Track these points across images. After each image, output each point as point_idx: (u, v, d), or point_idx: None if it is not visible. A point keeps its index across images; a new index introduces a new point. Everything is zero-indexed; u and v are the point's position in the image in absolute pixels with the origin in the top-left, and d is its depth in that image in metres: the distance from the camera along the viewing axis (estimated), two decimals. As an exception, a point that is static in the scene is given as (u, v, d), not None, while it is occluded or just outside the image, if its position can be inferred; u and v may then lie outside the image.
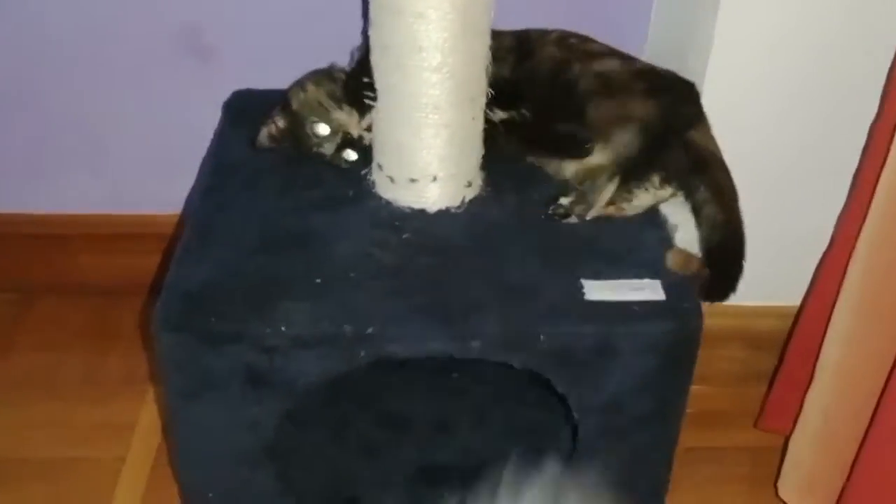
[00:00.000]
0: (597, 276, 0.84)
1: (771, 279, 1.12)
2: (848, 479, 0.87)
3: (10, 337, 1.23)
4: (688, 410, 1.09)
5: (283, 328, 0.79)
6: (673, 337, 0.82)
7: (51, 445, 1.08)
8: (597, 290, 0.82)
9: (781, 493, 0.99)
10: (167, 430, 1.06)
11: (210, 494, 0.89)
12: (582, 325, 0.81)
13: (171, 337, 0.80)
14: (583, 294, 0.83)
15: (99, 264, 1.27)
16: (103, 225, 1.26)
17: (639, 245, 0.89)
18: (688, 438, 1.08)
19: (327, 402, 1.03)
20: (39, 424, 1.11)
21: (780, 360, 1.04)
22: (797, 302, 1.05)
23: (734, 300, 1.14)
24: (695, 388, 1.14)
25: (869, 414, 0.84)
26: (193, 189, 1.18)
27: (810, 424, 0.93)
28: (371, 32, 0.87)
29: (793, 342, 1.01)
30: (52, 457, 1.07)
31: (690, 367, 0.85)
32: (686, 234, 0.95)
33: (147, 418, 1.12)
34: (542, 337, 0.81)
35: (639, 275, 0.85)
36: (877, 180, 0.84)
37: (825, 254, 0.98)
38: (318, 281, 0.83)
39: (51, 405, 1.13)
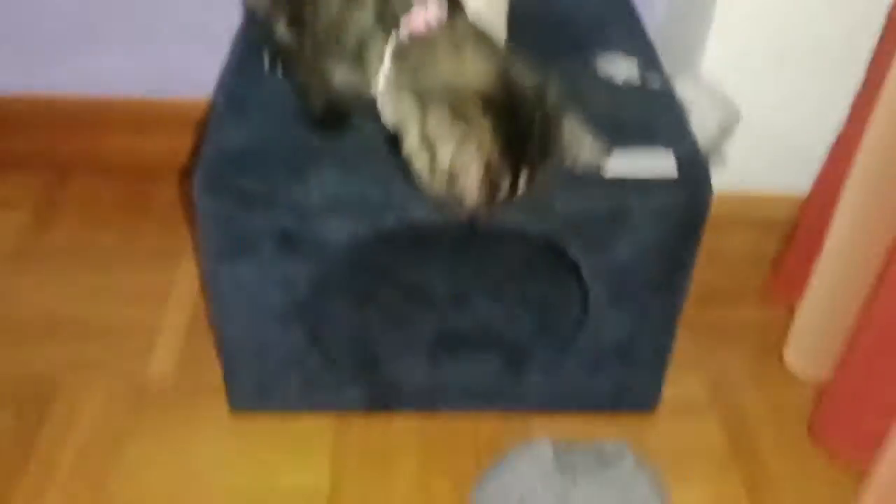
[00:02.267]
0: (613, 148, 0.88)
1: (782, 167, 1.16)
2: (849, 345, 0.93)
3: (50, 212, 1.29)
4: (696, 290, 1.15)
5: (315, 192, 0.85)
6: (684, 207, 0.87)
7: (94, 307, 1.15)
8: (612, 161, 0.86)
9: (787, 360, 1.04)
10: (205, 289, 1.13)
11: (246, 349, 0.97)
12: (596, 194, 0.86)
13: (209, 198, 0.85)
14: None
15: (132, 146, 1.33)
16: (136, 108, 1.30)
17: (654, 124, 0.93)
18: (695, 315, 1.14)
19: (353, 272, 1.09)
20: (82, 289, 1.18)
21: (791, 236, 1.09)
22: (802, 189, 1.09)
23: (745, 187, 1.19)
24: (704, 270, 1.20)
25: (872, 284, 0.89)
26: (225, 69, 1.21)
27: (818, 293, 0.97)
28: None
29: (803, 217, 1.05)
30: (96, 316, 1.14)
31: (698, 237, 0.90)
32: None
33: (180, 288, 1.18)
34: (557, 205, 0.86)
35: (654, 147, 0.88)
36: (889, 68, 0.87)
37: (836, 141, 1.01)
38: (350, 150, 0.88)
39: (91, 274, 1.20)
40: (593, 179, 0.86)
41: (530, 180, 0.69)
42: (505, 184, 0.68)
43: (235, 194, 0.85)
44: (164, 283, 1.19)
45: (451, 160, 0.67)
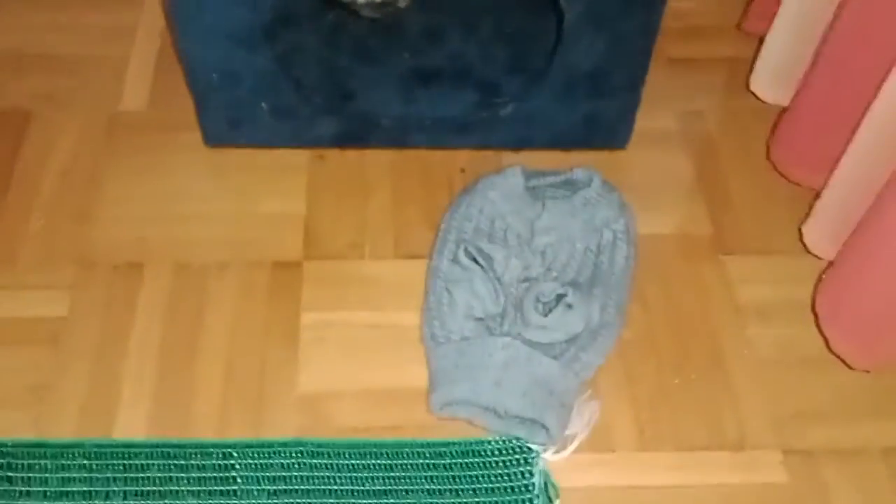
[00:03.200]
0: None
1: None
2: (810, 68, 0.93)
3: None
4: (674, 24, 1.13)
5: None
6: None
7: (62, 43, 1.12)
8: None
9: (752, 87, 1.04)
10: (169, 15, 1.09)
11: (214, 74, 0.95)
12: None
13: None
14: None
15: None
16: None
17: None
18: (669, 48, 1.13)
19: (320, 10, 1.05)
20: (49, 26, 1.14)
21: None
22: None
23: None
24: (683, 4, 1.17)
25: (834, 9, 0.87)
26: None
27: (784, 20, 0.96)
28: None
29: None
30: (66, 53, 1.12)
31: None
32: None
33: (147, 19, 1.16)
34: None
35: None
36: None
37: None
38: None
39: (56, 12, 1.16)
40: None
41: None
42: None
43: None
44: (130, 18, 1.15)
45: None
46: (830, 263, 0.90)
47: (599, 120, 1.03)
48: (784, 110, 1.00)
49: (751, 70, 1.05)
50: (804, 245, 0.94)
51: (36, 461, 0.79)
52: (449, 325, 0.86)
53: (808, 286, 0.93)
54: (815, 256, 0.94)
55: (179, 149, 1.03)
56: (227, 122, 1.01)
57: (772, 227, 0.99)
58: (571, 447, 0.82)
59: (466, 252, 0.89)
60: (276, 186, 1.01)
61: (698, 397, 0.87)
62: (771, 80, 1.02)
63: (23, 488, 0.78)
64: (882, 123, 0.80)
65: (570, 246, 0.92)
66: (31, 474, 0.79)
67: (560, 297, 0.86)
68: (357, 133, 1.04)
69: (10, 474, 0.79)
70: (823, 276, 0.90)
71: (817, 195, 0.91)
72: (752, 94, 1.05)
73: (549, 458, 0.82)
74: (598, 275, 0.91)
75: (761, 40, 1.02)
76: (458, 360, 0.82)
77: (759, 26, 1.05)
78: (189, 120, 1.02)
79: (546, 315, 0.85)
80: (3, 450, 0.80)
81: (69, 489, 0.78)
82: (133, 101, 1.08)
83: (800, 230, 0.94)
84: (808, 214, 0.93)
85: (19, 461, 0.79)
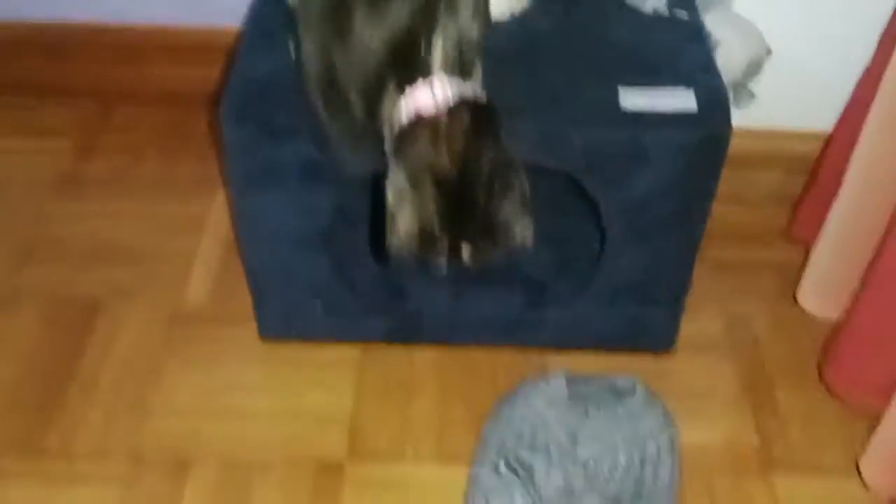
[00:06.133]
0: (634, 84, 0.88)
1: (810, 104, 1.14)
2: (861, 287, 0.93)
3: (92, 140, 1.34)
4: (719, 227, 1.15)
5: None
6: (702, 144, 0.87)
7: (133, 234, 1.20)
8: (631, 97, 0.87)
9: (800, 300, 1.05)
10: (234, 218, 1.17)
11: (272, 277, 1.00)
12: (615, 129, 0.87)
13: (235, 127, 0.88)
14: (618, 100, 0.87)
15: (172, 74, 1.35)
16: (174, 36, 1.33)
17: (679, 57, 0.93)
18: (716, 252, 1.15)
19: (376, 204, 1.11)
20: (122, 217, 1.23)
21: (813, 175, 1.08)
22: (830, 128, 1.08)
23: (773, 123, 1.17)
24: (728, 207, 1.19)
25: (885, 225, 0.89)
26: None
27: (832, 234, 0.97)
28: None
29: (824, 157, 1.04)
30: (135, 243, 1.19)
31: (717, 174, 0.90)
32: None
33: (216, 215, 1.23)
34: (576, 139, 0.87)
35: (675, 85, 0.88)
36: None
37: (860, 79, 0.99)
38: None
39: (131, 202, 1.25)
40: (612, 114, 0.87)
41: (475, 252, 0.78)
42: (442, 247, 0.77)
43: (260, 124, 0.87)
44: (200, 211, 1.23)
45: (394, 211, 0.77)
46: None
47: (644, 325, 1.04)
48: (836, 327, 1.00)
49: (798, 279, 1.06)
50: (862, 479, 0.91)
51: None
52: None
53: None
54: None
55: (235, 341, 1.07)
56: (281, 318, 1.05)
57: (822, 445, 0.97)
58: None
59: (507, 462, 0.88)
60: (324, 382, 1.03)
61: None
62: (819, 294, 1.03)
63: None
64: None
65: (613, 458, 0.91)
66: None
67: None
68: (405, 331, 1.06)
69: None
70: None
71: (874, 426, 0.89)
72: (799, 305, 1.05)
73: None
74: (642, 490, 0.89)
75: (809, 248, 1.03)
76: None
77: (807, 233, 1.06)
78: (246, 313, 1.06)
79: None
80: None
81: None
82: (196, 295, 1.13)
83: (857, 464, 0.92)
84: (865, 446, 0.91)
85: None
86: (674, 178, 0.89)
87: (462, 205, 0.76)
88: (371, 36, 0.77)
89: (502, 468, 0.88)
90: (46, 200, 1.25)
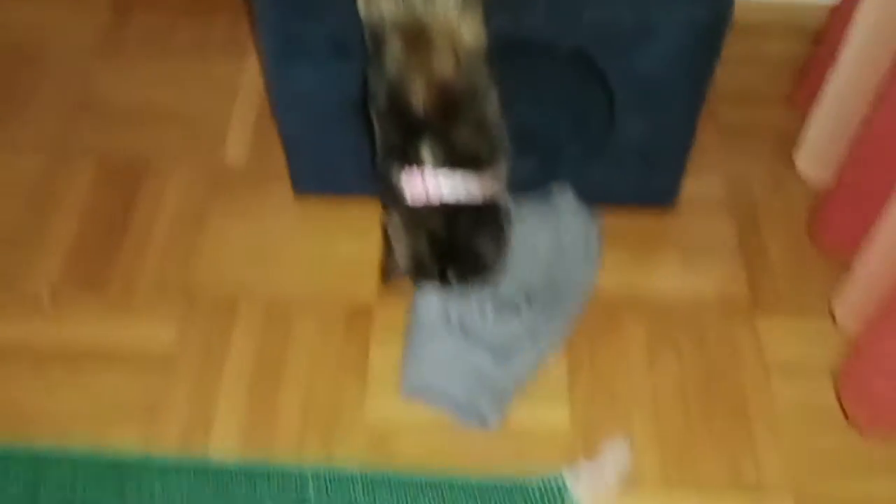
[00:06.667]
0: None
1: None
2: (850, 151, 1.00)
3: (127, 6, 1.39)
4: (727, 90, 1.20)
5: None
6: (706, 20, 0.92)
7: (172, 96, 1.28)
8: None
9: (797, 163, 1.12)
10: (267, 87, 1.24)
11: (305, 143, 1.09)
12: (622, 6, 0.92)
13: (268, 4, 0.94)
14: (627, -23, 0.92)
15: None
16: None
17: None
18: (722, 116, 1.21)
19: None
20: (160, 79, 1.30)
21: (817, 43, 1.12)
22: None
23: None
24: (735, 74, 1.25)
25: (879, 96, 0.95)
26: None
27: (829, 100, 1.03)
28: None
29: (829, 27, 1.09)
30: (174, 104, 1.27)
31: (719, 48, 0.95)
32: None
33: (249, 77, 1.30)
34: (585, 17, 0.92)
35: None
36: None
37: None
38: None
39: (167, 64, 1.32)
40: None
41: (461, 277, 0.92)
42: (432, 272, 0.92)
43: (292, 1, 0.93)
44: (233, 73, 1.30)
45: (393, 242, 0.92)
46: (857, 342, 0.98)
47: (649, 185, 1.12)
48: (826, 187, 1.08)
49: (797, 143, 1.13)
50: (833, 316, 1.02)
51: (144, 479, 0.94)
52: (420, 310, 1.02)
53: (830, 351, 1.01)
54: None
55: (272, 197, 1.18)
56: (314, 177, 1.15)
57: (805, 293, 1.07)
58: (603, 483, 0.93)
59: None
60: (354, 232, 1.14)
61: (721, 442, 0.97)
62: (813, 157, 1.10)
63: (133, 497, 0.93)
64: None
65: (534, 254, 1.04)
66: (139, 484, 0.93)
67: (515, 304, 1.00)
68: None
69: (122, 484, 0.94)
70: (851, 354, 0.97)
71: (849, 270, 0.99)
72: (796, 168, 1.13)
73: (582, 493, 0.92)
74: (555, 282, 1.03)
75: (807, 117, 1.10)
76: (425, 356, 1.00)
77: (809, 100, 1.12)
78: (281, 171, 1.16)
79: (500, 316, 0.99)
80: (119, 463, 0.95)
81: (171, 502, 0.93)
82: (233, 154, 1.23)
83: (830, 302, 1.02)
84: (839, 288, 1.01)
85: (131, 473, 0.94)
86: (678, 52, 0.94)
87: (447, 247, 0.90)
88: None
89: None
90: (88, 62, 1.32)
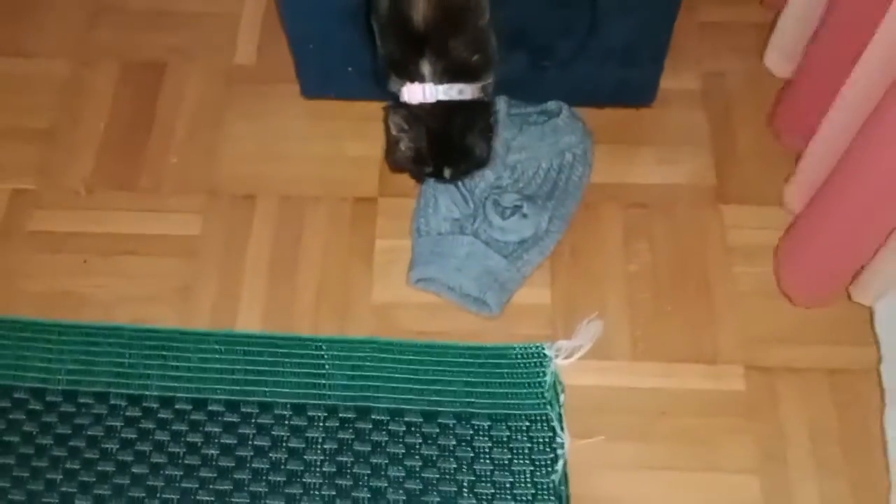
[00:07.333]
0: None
1: None
2: (807, 48, 1.09)
3: None
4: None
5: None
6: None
7: (188, 2, 1.37)
8: None
9: (765, 62, 1.20)
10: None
11: (310, 45, 1.18)
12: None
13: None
14: None
15: None
16: None
17: None
18: (700, 14, 1.29)
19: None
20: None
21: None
22: None
23: None
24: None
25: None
26: None
27: (796, 2, 1.11)
28: None
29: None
30: (186, 8, 1.36)
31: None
32: None
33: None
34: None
35: None
36: None
37: None
38: None
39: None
40: None
41: (455, 172, 1.04)
42: (429, 167, 1.03)
43: None
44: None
45: (396, 138, 1.02)
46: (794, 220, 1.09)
47: (629, 83, 1.21)
48: (787, 82, 1.17)
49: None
50: (783, 202, 1.13)
51: (182, 345, 1.09)
52: (431, 223, 1.13)
53: (781, 234, 1.13)
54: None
55: (282, 98, 1.27)
56: (321, 80, 1.24)
57: (765, 183, 1.18)
58: (577, 355, 1.07)
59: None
60: (359, 133, 1.24)
61: (685, 320, 1.10)
62: (781, 56, 1.18)
63: (173, 363, 1.08)
64: (853, 99, 0.95)
65: (537, 164, 1.16)
66: (178, 353, 1.08)
67: (517, 207, 1.11)
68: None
69: (163, 353, 1.08)
70: (787, 231, 1.09)
71: (798, 159, 1.10)
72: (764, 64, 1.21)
73: (559, 363, 1.07)
74: (554, 190, 1.15)
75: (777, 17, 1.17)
76: (433, 249, 1.12)
77: (779, 1, 1.19)
78: (289, 74, 1.25)
79: (505, 219, 1.11)
80: (159, 335, 1.09)
81: (206, 366, 1.08)
82: (244, 55, 1.32)
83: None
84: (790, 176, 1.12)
85: (170, 344, 1.09)
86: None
87: (444, 142, 1.00)
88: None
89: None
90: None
